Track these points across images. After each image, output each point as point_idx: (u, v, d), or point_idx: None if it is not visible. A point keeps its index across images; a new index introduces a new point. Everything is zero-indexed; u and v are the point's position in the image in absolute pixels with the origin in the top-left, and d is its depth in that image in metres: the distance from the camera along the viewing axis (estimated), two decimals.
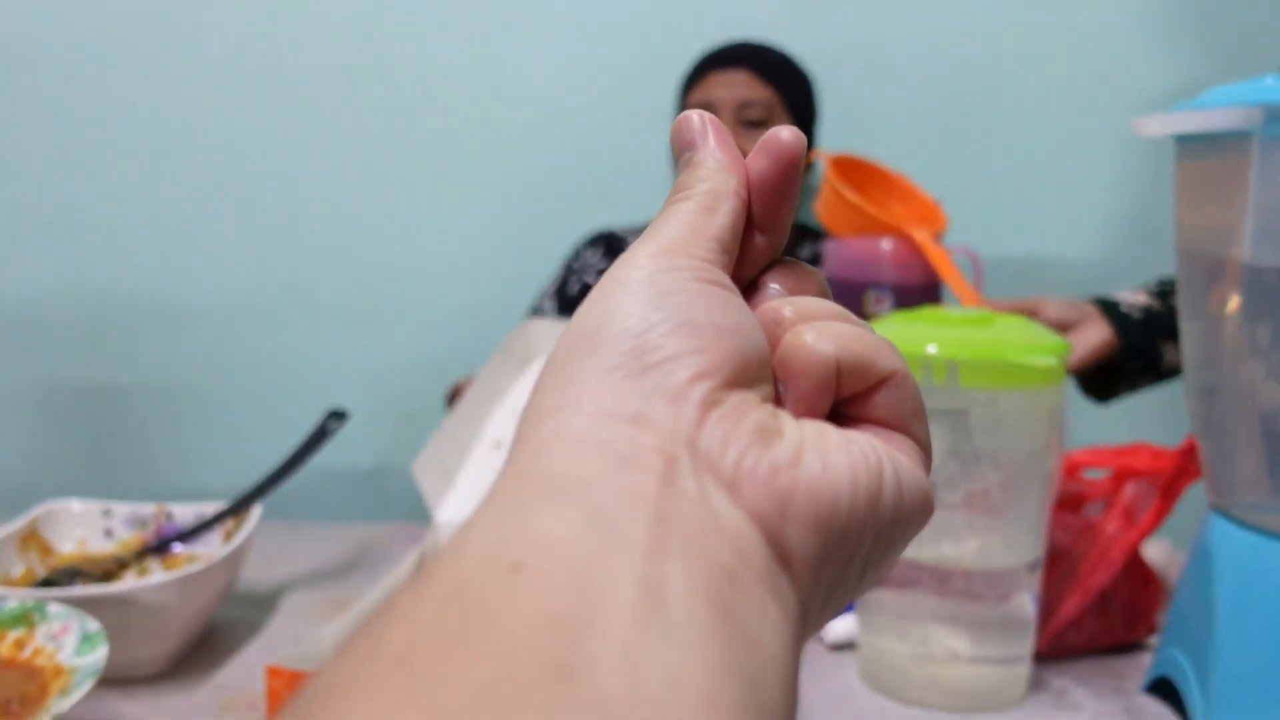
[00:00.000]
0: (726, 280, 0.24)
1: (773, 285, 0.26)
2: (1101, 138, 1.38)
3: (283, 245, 1.49)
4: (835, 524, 0.21)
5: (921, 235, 0.93)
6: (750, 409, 0.22)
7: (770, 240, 0.26)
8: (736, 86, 1.26)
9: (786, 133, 0.25)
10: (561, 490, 0.19)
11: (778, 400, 0.23)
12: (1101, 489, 0.72)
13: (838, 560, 0.21)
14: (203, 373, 1.50)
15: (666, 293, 0.22)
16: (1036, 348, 0.61)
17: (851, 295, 0.92)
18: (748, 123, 1.25)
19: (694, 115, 0.27)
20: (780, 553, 0.20)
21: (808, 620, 0.21)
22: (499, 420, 0.81)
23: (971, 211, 1.47)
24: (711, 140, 0.26)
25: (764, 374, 0.23)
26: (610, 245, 1.30)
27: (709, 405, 0.21)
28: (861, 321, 0.25)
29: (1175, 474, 0.68)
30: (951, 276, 0.90)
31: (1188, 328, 0.63)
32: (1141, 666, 0.69)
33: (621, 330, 0.22)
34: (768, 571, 0.20)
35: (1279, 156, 0.52)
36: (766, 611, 0.19)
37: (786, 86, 1.29)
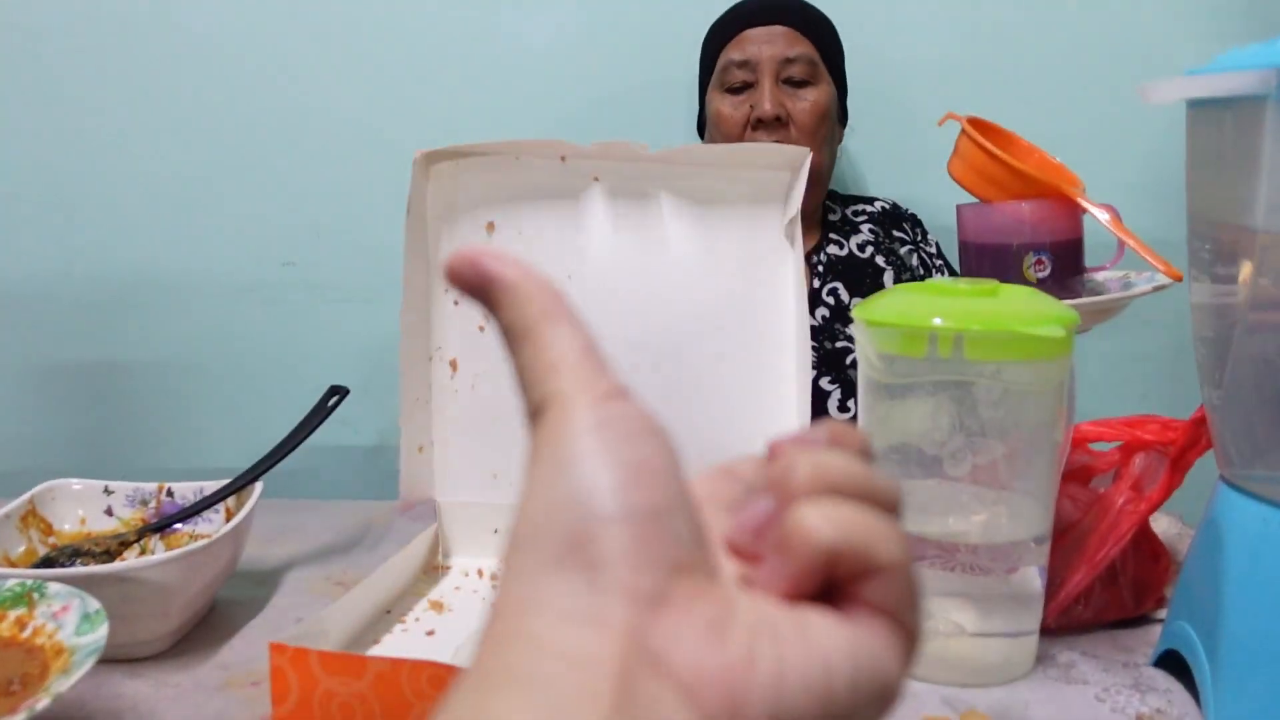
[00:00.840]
0: (649, 420, 0.24)
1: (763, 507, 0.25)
2: (1115, 100, 1.36)
3: (282, 222, 1.47)
4: None
5: (1079, 192, 0.88)
6: (702, 599, 0.22)
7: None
8: (777, 42, 1.21)
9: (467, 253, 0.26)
10: (519, 688, 0.20)
11: (762, 547, 0.24)
12: (1110, 461, 0.72)
13: None
14: (203, 351, 1.50)
15: (606, 466, 0.22)
16: (1044, 318, 0.60)
17: (1006, 261, 0.87)
18: (790, 81, 1.20)
19: (457, 259, 0.26)
20: None
21: None
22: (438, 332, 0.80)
23: None
24: (502, 267, 0.25)
25: (701, 548, 0.23)
26: None
27: (659, 599, 0.21)
28: (882, 488, 0.24)
29: (1185, 445, 0.67)
30: (1127, 235, 0.85)
31: (1199, 295, 0.62)
32: (1150, 640, 0.69)
33: (564, 520, 0.22)
34: None
35: None
36: None
37: (826, 40, 1.25)
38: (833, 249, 1.29)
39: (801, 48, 1.21)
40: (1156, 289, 0.81)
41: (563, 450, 0.23)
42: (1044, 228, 0.87)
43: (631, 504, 0.22)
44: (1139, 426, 0.69)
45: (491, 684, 0.21)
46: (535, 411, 0.24)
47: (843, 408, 1.23)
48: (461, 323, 0.77)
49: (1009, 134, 1.03)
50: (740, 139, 1.21)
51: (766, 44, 1.21)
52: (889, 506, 0.24)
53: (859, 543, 0.23)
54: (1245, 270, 0.55)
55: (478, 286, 0.25)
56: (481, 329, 0.77)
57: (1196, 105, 0.59)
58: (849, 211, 1.34)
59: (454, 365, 0.77)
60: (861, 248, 1.29)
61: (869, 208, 1.34)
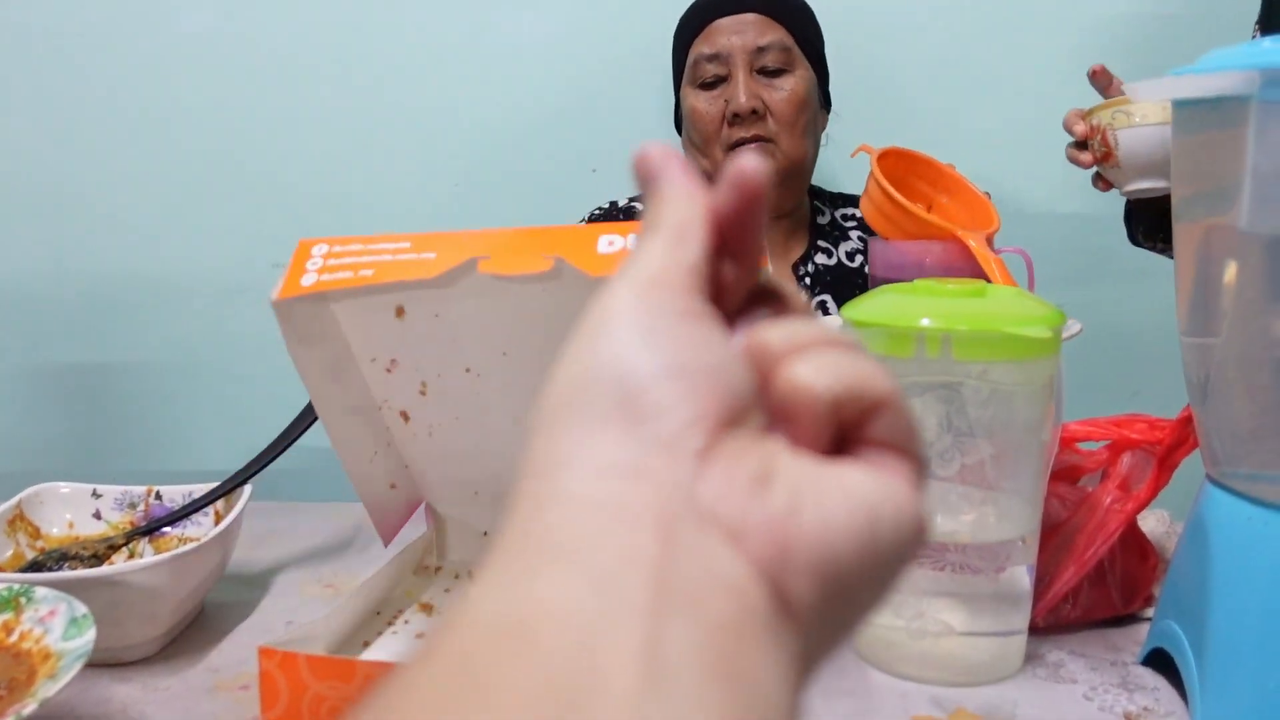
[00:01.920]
0: (708, 311, 0.24)
1: (759, 311, 0.26)
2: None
3: (272, 222, 1.47)
4: (835, 571, 0.21)
5: (975, 240, 0.88)
6: (745, 455, 0.22)
7: (744, 267, 0.26)
8: (747, 31, 1.15)
9: (750, 162, 0.25)
10: (562, 553, 0.20)
11: (773, 426, 0.24)
12: (1098, 460, 0.72)
13: (839, 603, 0.22)
14: (193, 352, 1.49)
15: (650, 332, 0.23)
16: (1031, 319, 0.60)
17: None
18: (765, 71, 1.15)
19: (653, 148, 0.27)
20: (782, 602, 0.21)
21: (811, 662, 0.22)
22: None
23: (967, 171, 1.46)
24: (673, 170, 0.26)
25: (753, 409, 0.23)
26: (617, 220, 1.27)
27: (704, 453, 0.21)
28: (849, 341, 0.25)
29: (1172, 445, 0.67)
30: (1006, 284, 0.85)
31: (1184, 294, 0.62)
32: (1138, 639, 0.69)
33: (610, 377, 0.22)
34: (771, 622, 0.20)
35: (1277, 121, 0.51)
36: (770, 663, 0.19)
37: (800, 23, 1.19)
38: (821, 258, 1.24)
39: (774, 34, 1.15)
40: (1069, 337, 0.79)
41: (608, 321, 0.23)
42: (938, 271, 0.87)
43: (684, 361, 0.22)
44: (1126, 426, 0.70)
45: (532, 551, 0.20)
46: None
47: None
48: (402, 383, 0.73)
49: (927, 160, 1.03)
50: (717, 135, 1.16)
51: (736, 34, 1.15)
52: (855, 348, 0.25)
53: (855, 383, 0.23)
54: (1230, 270, 0.55)
55: (647, 179, 0.27)
56: (422, 392, 0.73)
57: (1182, 105, 0.59)
58: (838, 215, 1.30)
59: (405, 416, 0.75)
60: (851, 256, 1.25)
61: (857, 211, 1.32)
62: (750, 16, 1.16)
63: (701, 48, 1.17)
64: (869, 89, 1.43)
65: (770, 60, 1.15)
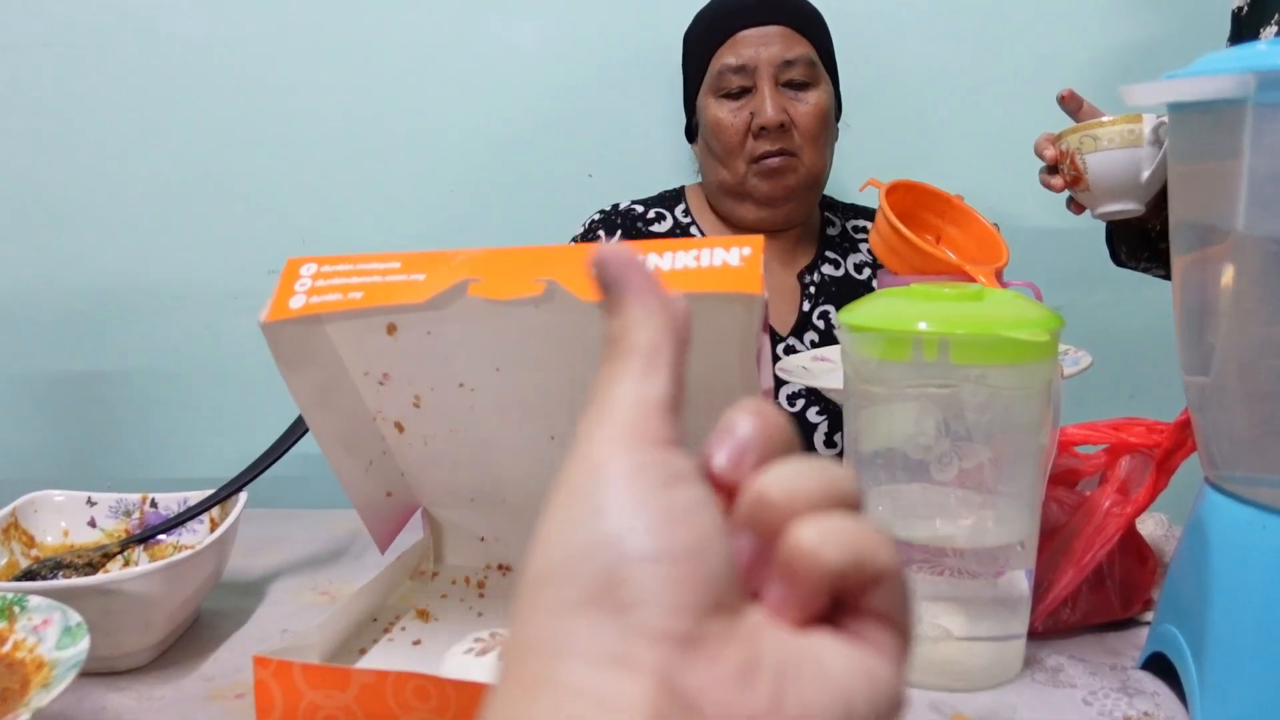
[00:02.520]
0: (688, 467, 0.24)
1: (741, 429, 0.25)
2: (1104, 99, 1.37)
3: (267, 229, 1.47)
4: None
5: (983, 275, 0.88)
6: (729, 641, 0.22)
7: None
8: (774, 44, 1.14)
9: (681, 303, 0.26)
10: None
11: (753, 584, 0.24)
12: (1096, 464, 0.72)
13: None
14: (189, 359, 1.49)
15: (636, 508, 0.22)
16: (1028, 322, 0.60)
17: None
18: (791, 84, 1.14)
19: (611, 254, 0.26)
20: None
21: None
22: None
23: (968, 178, 1.46)
24: (635, 281, 0.26)
25: (733, 587, 0.23)
26: (622, 225, 1.27)
27: (688, 644, 0.21)
28: (849, 490, 0.24)
29: (1171, 448, 0.67)
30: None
31: (1182, 298, 0.62)
32: (1137, 643, 0.69)
33: (596, 561, 0.22)
34: None
35: (1273, 124, 0.51)
36: None
37: (822, 37, 1.19)
38: (828, 268, 1.23)
39: (801, 48, 1.15)
40: (1078, 372, 0.80)
41: (593, 492, 0.23)
42: None
43: (665, 545, 0.22)
44: (1124, 430, 0.70)
45: None
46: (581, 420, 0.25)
47: (829, 442, 1.18)
48: (396, 396, 0.72)
49: (936, 193, 1.03)
50: (741, 147, 1.16)
51: (763, 46, 1.14)
52: (856, 503, 0.24)
53: (861, 555, 0.23)
54: (1228, 273, 0.55)
55: (608, 288, 0.26)
56: (416, 405, 0.72)
57: (1177, 108, 0.59)
58: (849, 226, 1.28)
59: (400, 427, 0.74)
60: (859, 268, 1.24)
61: (869, 223, 1.31)
62: (776, 29, 1.15)
63: (727, 58, 1.16)
64: (875, 96, 1.43)
65: (796, 74, 1.15)
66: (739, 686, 0.21)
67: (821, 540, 0.23)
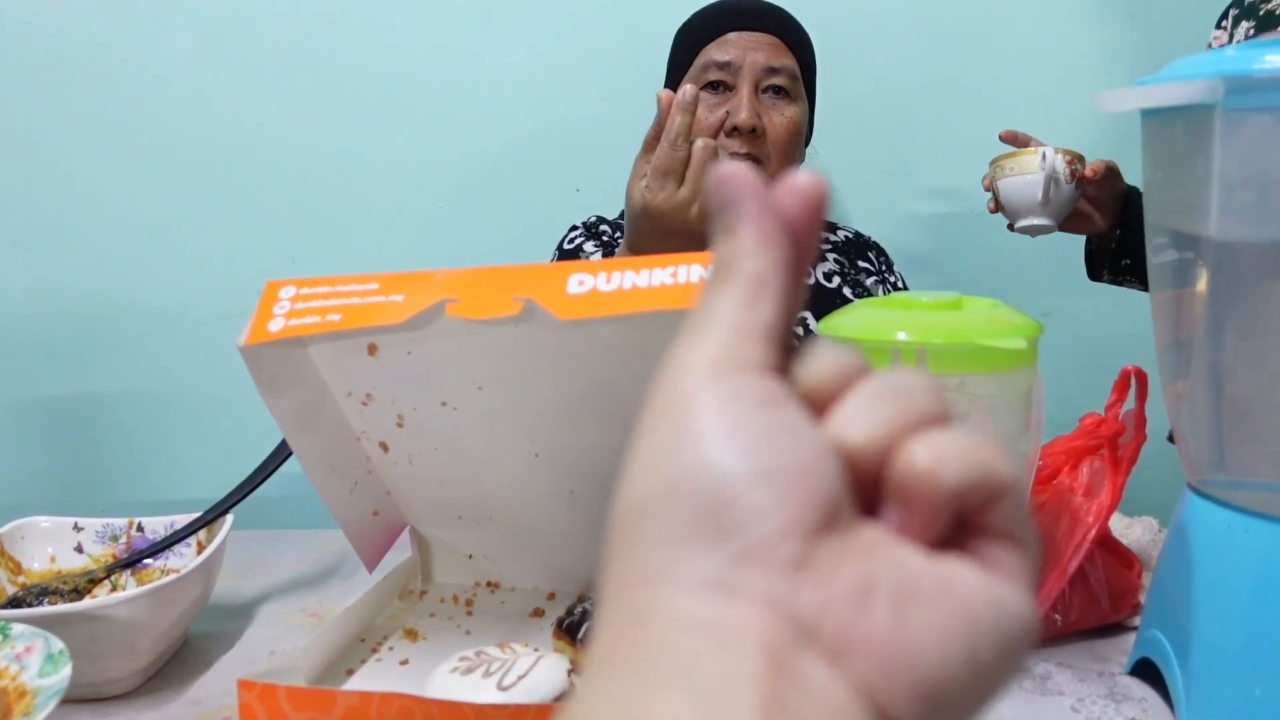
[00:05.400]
0: (788, 394, 0.22)
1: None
2: (1084, 109, 1.37)
3: (256, 249, 1.47)
4: (939, 691, 0.20)
5: None
6: (843, 562, 0.21)
7: (799, 297, 0.24)
8: (762, 50, 1.15)
9: (808, 177, 0.24)
10: (666, 674, 0.19)
11: (869, 506, 0.22)
12: (1057, 469, 0.73)
13: (942, 717, 0.21)
14: (178, 381, 1.49)
15: (732, 429, 0.21)
16: (1006, 330, 0.60)
17: None
18: (771, 90, 1.15)
19: (735, 173, 0.24)
20: None
21: None
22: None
23: (953, 183, 1.47)
24: (751, 207, 0.24)
25: (845, 503, 0.22)
26: (601, 236, 1.26)
27: (799, 566, 0.20)
28: (946, 403, 0.23)
29: (1114, 434, 0.68)
30: None
31: (1159, 304, 0.62)
32: (1125, 648, 0.69)
33: (695, 486, 0.21)
34: None
35: (1242, 129, 0.51)
36: None
37: (807, 56, 1.21)
38: None
39: (786, 60, 1.16)
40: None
41: (687, 418, 0.22)
42: None
43: (768, 464, 0.21)
44: (1081, 435, 0.71)
45: (634, 672, 0.20)
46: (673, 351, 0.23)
47: None
48: (379, 415, 0.72)
49: None
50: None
51: (752, 49, 1.15)
52: (949, 416, 0.23)
53: (981, 470, 0.22)
54: (1202, 278, 0.56)
55: (724, 208, 0.24)
56: (399, 424, 0.72)
57: (1149, 115, 0.59)
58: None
59: (384, 446, 0.74)
60: (828, 277, 1.25)
61: (832, 236, 1.31)
62: (767, 36, 1.17)
63: (715, 53, 1.17)
64: (856, 105, 1.43)
65: (778, 82, 1.16)
66: (855, 607, 0.20)
67: (938, 459, 0.21)
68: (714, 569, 0.20)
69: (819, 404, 0.23)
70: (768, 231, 0.24)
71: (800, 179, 0.24)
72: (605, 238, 1.26)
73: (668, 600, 0.20)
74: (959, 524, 0.22)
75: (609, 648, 0.21)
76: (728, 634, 0.19)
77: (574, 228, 1.28)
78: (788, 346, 0.24)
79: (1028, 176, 1.06)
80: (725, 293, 0.23)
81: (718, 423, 0.21)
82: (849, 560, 0.21)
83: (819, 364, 0.23)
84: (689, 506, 0.21)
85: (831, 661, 0.20)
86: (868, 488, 0.22)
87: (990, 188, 1.11)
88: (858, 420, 0.22)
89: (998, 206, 1.12)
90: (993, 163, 1.10)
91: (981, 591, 0.21)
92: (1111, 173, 1.09)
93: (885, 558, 0.21)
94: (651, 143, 0.91)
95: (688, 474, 0.21)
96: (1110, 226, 1.12)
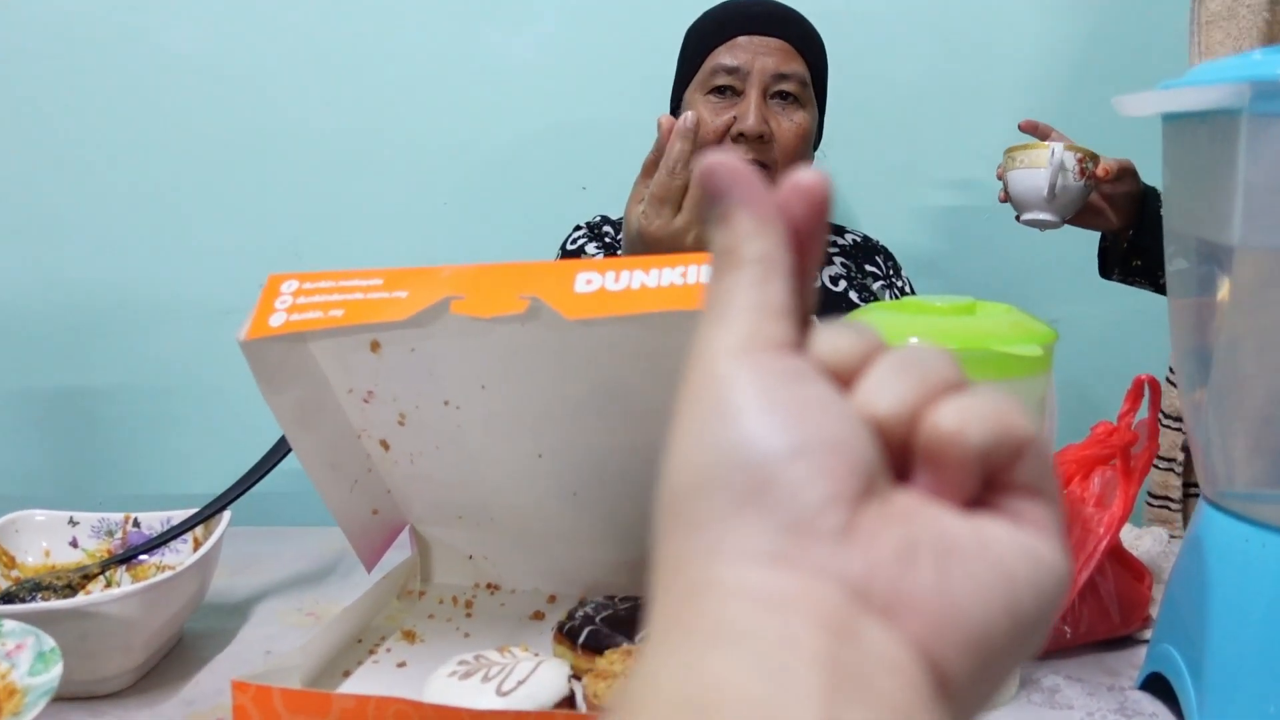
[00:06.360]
0: (815, 368, 0.23)
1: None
2: (1094, 111, 1.36)
3: (260, 243, 1.46)
4: (988, 643, 0.21)
5: None
6: (885, 525, 0.21)
7: (809, 289, 0.25)
8: (772, 55, 1.13)
9: (811, 175, 0.25)
10: (726, 641, 0.20)
11: (900, 474, 0.23)
12: (1069, 477, 0.72)
13: (988, 673, 0.22)
14: (180, 374, 1.48)
15: (768, 407, 0.22)
16: (1021, 336, 0.59)
17: None
18: (780, 96, 1.13)
19: (721, 163, 0.25)
20: (940, 679, 0.21)
21: None
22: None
23: (962, 188, 1.45)
24: (747, 191, 0.25)
25: (881, 471, 0.22)
26: (604, 238, 1.25)
27: (844, 534, 0.21)
28: (961, 376, 0.24)
29: (1125, 444, 0.67)
30: None
31: (1178, 312, 0.61)
32: (1135, 662, 0.67)
33: (737, 464, 0.22)
34: (931, 699, 0.20)
35: (1268, 134, 0.50)
36: None
37: (819, 62, 1.19)
38: None
39: (796, 66, 1.15)
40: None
41: (722, 400, 0.22)
42: None
43: (805, 438, 0.21)
44: (1093, 445, 0.70)
45: (694, 640, 0.20)
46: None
47: None
48: (380, 413, 0.71)
49: None
50: (716, 147, 1.17)
51: (762, 54, 1.14)
52: (963, 381, 0.24)
53: (1003, 428, 0.22)
54: (1224, 287, 0.54)
55: (716, 199, 0.25)
56: (401, 423, 0.71)
57: (1171, 119, 0.58)
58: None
59: (385, 445, 0.72)
60: (834, 280, 1.24)
61: (840, 239, 1.30)
62: (776, 41, 1.15)
63: (723, 57, 1.15)
64: (866, 106, 1.42)
65: (787, 88, 1.14)
66: (902, 567, 0.21)
67: (962, 420, 0.22)
68: (763, 542, 0.21)
69: (841, 380, 0.24)
70: (765, 213, 0.25)
71: (804, 177, 0.25)
72: (608, 239, 1.25)
73: (721, 574, 0.21)
74: (987, 483, 0.23)
75: (666, 623, 0.21)
76: (783, 601, 0.20)
77: (577, 227, 1.27)
78: (806, 325, 0.25)
79: (1036, 171, 1.05)
80: (736, 278, 0.24)
81: (752, 401, 0.22)
82: (890, 524, 0.21)
83: (838, 340, 0.24)
84: (733, 485, 0.21)
85: (885, 620, 0.20)
86: (897, 457, 0.23)
87: (1002, 177, 1.11)
88: (883, 391, 0.23)
89: (1007, 196, 1.11)
90: (1006, 152, 1.10)
91: (1015, 544, 0.22)
92: (1126, 171, 1.07)
93: (924, 519, 0.22)
94: (650, 166, 0.90)
95: (728, 453, 0.22)
96: (1124, 225, 1.11)
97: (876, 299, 1.25)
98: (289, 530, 0.96)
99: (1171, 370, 1.05)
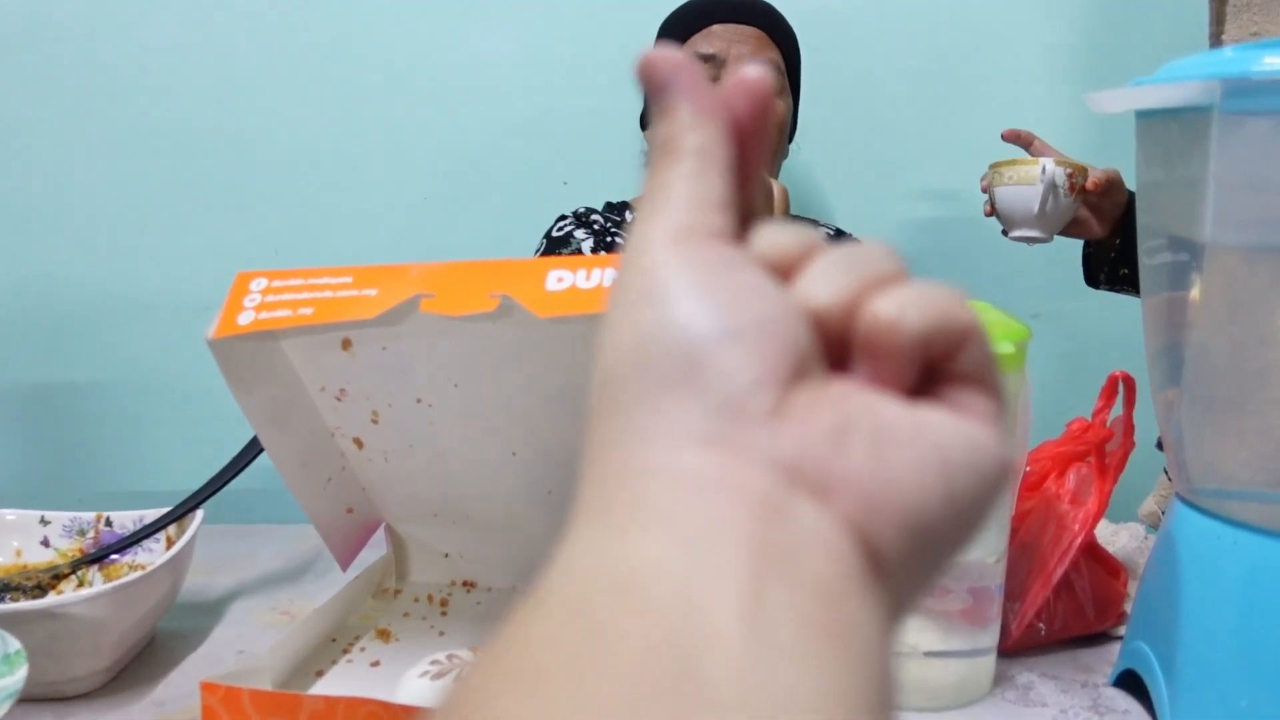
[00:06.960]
0: (749, 257, 0.23)
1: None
2: (1074, 108, 1.36)
3: (238, 239, 1.45)
4: (923, 523, 0.21)
5: None
6: (817, 407, 0.21)
7: (751, 188, 0.25)
8: (747, 43, 1.15)
9: (753, 70, 0.25)
10: (653, 521, 0.20)
11: (838, 367, 0.23)
12: (1044, 475, 0.72)
13: (926, 554, 0.21)
14: (158, 371, 1.47)
15: (699, 292, 0.22)
16: (994, 334, 0.59)
17: None
18: None
19: (659, 56, 0.25)
20: (873, 558, 0.20)
21: (899, 613, 0.22)
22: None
23: (940, 184, 1.46)
24: (685, 83, 0.25)
25: (814, 357, 0.22)
26: (593, 225, 1.25)
27: (775, 415, 0.21)
28: (904, 270, 0.24)
29: (1101, 441, 0.67)
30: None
31: (1151, 309, 0.61)
32: (1109, 659, 0.68)
33: (667, 346, 0.21)
34: (863, 578, 0.20)
35: (1239, 131, 0.50)
36: (866, 618, 0.19)
37: (791, 51, 1.21)
38: None
39: (771, 54, 1.16)
40: None
41: (654, 287, 0.22)
42: None
43: (736, 322, 0.21)
44: (1069, 441, 0.70)
45: (618, 521, 0.20)
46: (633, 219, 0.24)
47: None
48: (353, 411, 0.70)
49: None
50: None
51: (736, 42, 1.15)
52: (905, 274, 0.24)
53: (942, 317, 0.22)
54: (1195, 285, 0.54)
55: (657, 91, 0.25)
56: (374, 421, 0.70)
57: (1144, 116, 0.58)
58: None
59: (359, 443, 0.72)
60: None
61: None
62: (751, 30, 1.16)
63: (700, 45, 1.16)
64: (846, 103, 1.42)
65: None
66: (834, 448, 0.20)
67: (901, 308, 0.22)
68: (692, 424, 0.21)
69: (781, 274, 0.23)
70: (704, 105, 0.25)
71: (746, 72, 0.25)
72: (596, 226, 1.24)
73: (648, 457, 0.21)
74: (928, 374, 0.23)
75: (591, 507, 0.21)
76: (711, 482, 0.20)
77: (563, 216, 1.27)
78: (748, 221, 0.25)
79: (1025, 188, 1.03)
80: (674, 169, 0.24)
81: (684, 286, 0.22)
82: (823, 408, 0.21)
83: (779, 237, 0.24)
84: (663, 367, 0.21)
85: (817, 500, 0.20)
86: (837, 350, 0.23)
87: (988, 191, 1.10)
88: (821, 283, 0.23)
89: (994, 210, 1.10)
90: (992, 166, 1.07)
91: (953, 431, 0.22)
92: (1113, 183, 1.07)
93: (859, 404, 0.22)
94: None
95: (658, 336, 0.21)
96: (1109, 233, 1.11)
97: None
98: (263, 528, 0.95)
99: None
